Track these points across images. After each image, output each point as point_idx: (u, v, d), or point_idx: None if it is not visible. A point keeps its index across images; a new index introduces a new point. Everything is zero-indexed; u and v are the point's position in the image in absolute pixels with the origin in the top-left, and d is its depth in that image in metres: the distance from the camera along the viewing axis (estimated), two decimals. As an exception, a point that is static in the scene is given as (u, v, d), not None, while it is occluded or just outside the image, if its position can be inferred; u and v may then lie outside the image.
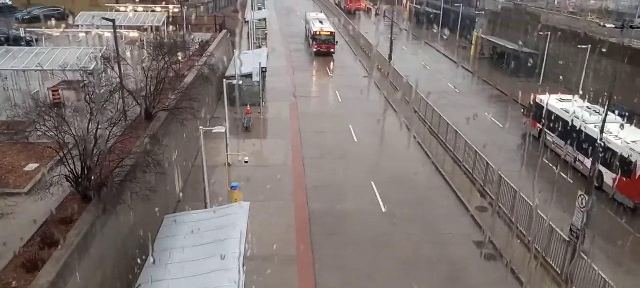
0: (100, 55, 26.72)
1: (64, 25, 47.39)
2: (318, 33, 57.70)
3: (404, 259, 20.34)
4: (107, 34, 38.36)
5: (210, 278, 14.46)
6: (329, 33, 58.10)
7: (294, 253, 20.33)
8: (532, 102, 33.17)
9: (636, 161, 22.99)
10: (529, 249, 20.64)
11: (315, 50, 57.56)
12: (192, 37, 39.27)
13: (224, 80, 31.31)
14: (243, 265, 16.03)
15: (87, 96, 17.38)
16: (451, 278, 19.41)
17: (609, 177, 24.68)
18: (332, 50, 57.47)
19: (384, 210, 24.09)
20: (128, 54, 29.28)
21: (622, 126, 24.39)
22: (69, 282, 12.93)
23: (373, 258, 20.38)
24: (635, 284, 17.20)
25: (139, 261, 16.27)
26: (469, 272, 19.77)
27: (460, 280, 19.32)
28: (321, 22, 61.57)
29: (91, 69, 25.39)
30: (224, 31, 51.28)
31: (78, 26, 44.56)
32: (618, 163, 23.94)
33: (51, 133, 15.41)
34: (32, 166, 18.51)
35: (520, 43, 48.40)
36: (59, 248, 13.25)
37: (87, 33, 41.96)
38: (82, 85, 20.00)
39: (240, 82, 34.54)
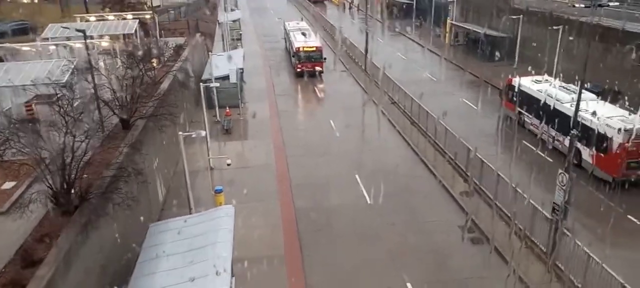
0: (73, 66, 26.22)
1: (32, 39, 46.38)
2: (301, 49, 47.14)
3: (392, 249, 20.46)
4: (78, 45, 37.67)
5: (199, 285, 14.35)
6: (314, 48, 47.27)
7: (282, 253, 20.28)
8: (507, 85, 33.60)
9: (612, 136, 23.45)
10: (513, 230, 20.93)
11: (298, 70, 47.03)
12: (166, 42, 38.77)
13: (201, 83, 31.09)
14: (232, 269, 15.97)
15: (62, 109, 17.07)
16: (439, 264, 19.59)
17: (586, 153, 25.16)
18: (320, 69, 47.33)
19: (369, 202, 24.18)
20: (101, 63, 28.77)
21: (594, 112, 24.75)
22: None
23: (361, 251, 20.44)
24: (617, 256, 17.56)
25: (125, 272, 16.06)
26: (455, 257, 19.97)
27: (447, 265, 19.52)
28: (304, 35, 50.63)
29: (64, 81, 24.89)
30: (198, 34, 50.80)
31: (47, 39, 43.65)
32: (595, 140, 24.40)
33: (27, 149, 15.08)
34: (9, 184, 18.12)
35: (486, 27, 48.98)
36: (42, 266, 12.97)
37: (57, 45, 41.12)
38: (56, 99, 19.61)
39: (218, 84, 34.24)
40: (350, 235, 21.60)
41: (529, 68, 33.42)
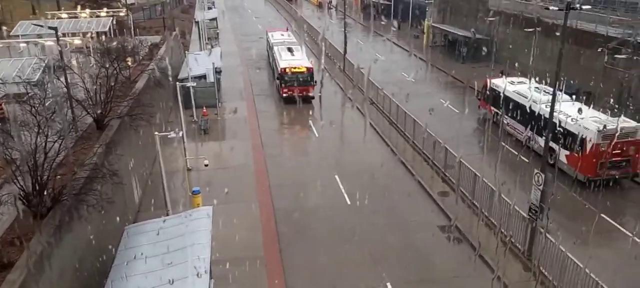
0: (44, 65, 25.54)
1: (1, 37, 45.08)
2: (287, 70, 38.81)
3: (372, 250, 20.43)
4: (50, 43, 36.73)
5: (177, 287, 14.05)
6: (304, 70, 38.87)
7: (262, 254, 20.06)
8: (484, 86, 34.00)
9: (586, 137, 23.90)
10: (491, 229, 21.15)
11: (284, 95, 38.82)
12: (141, 40, 38.10)
13: (177, 83, 30.60)
14: (210, 270, 15.70)
15: (33, 108, 16.56)
16: (419, 263, 19.65)
17: (562, 154, 25.58)
18: (310, 94, 39.07)
19: (348, 203, 24.13)
20: (74, 62, 28.08)
21: (580, 110, 25.13)
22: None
23: (341, 251, 20.36)
24: (592, 254, 17.87)
25: (101, 275, 15.66)
26: (435, 257, 20.07)
27: (427, 265, 19.59)
28: (291, 51, 42.98)
29: (35, 80, 24.21)
30: (174, 33, 50.11)
31: (18, 36, 42.48)
32: (569, 140, 24.84)
33: (-3, 150, 14.56)
34: (-23, 186, 17.42)
35: (472, 30, 49.53)
36: (13, 270, 12.51)
37: (28, 43, 40.03)
38: (27, 98, 19.02)
39: (194, 84, 33.78)
40: (330, 236, 21.50)
41: (506, 69, 33.94)
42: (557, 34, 34.49)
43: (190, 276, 14.38)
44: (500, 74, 37.03)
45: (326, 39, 59.38)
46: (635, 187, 24.90)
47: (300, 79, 38.85)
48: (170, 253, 15.66)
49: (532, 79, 31.29)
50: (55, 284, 14.09)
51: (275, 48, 44.69)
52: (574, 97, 28.41)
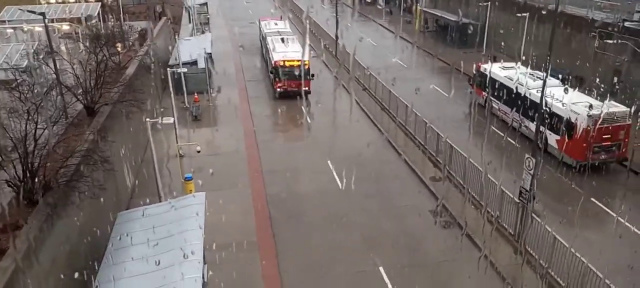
0: (32, 51, 25.24)
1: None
2: (281, 63, 35.78)
3: (365, 235, 20.58)
4: (38, 28, 36.23)
5: (170, 273, 14.11)
6: (299, 63, 35.60)
7: (255, 240, 20.15)
8: (475, 71, 34.09)
9: (577, 122, 24.09)
10: (482, 214, 21.36)
11: (278, 89, 35.99)
12: (130, 25, 37.69)
13: (168, 68, 30.38)
14: (203, 256, 15.75)
15: (22, 95, 16.39)
16: (410, 248, 19.81)
17: (552, 138, 25.79)
18: (307, 89, 35.99)
19: (341, 188, 24.22)
20: (63, 48, 27.76)
21: (566, 90, 25.39)
22: (19, 291, 12.26)
23: (334, 236, 20.47)
24: (581, 236, 18.14)
25: (93, 262, 15.66)
26: (427, 241, 20.25)
27: (419, 249, 19.77)
28: (284, 42, 39.70)
29: (23, 66, 23.96)
30: (164, 18, 49.60)
31: (4, 21, 41.85)
32: (560, 125, 25.03)
33: (-15, 137, 14.43)
34: (-34, 174, 17.27)
35: (460, 13, 49.50)
36: (5, 257, 12.48)
37: (15, 28, 39.45)
38: (16, 84, 18.81)
39: (185, 70, 33.54)
40: (322, 221, 21.60)
41: (497, 54, 34.00)
42: (548, 18, 34.66)
43: (184, 261, 14.42)
44: (489, 59, 37.12)
45: (316, 23, 59.06)
46: (624, 171, 25.20)
47: (296, 73, 35.32)
48: (164, 239, 15.68)
49: (523, 64, 31.44)
50: (48, 271, 14.07)
51: (268, 38, 41.31)
52: (564, 82, 28.58)
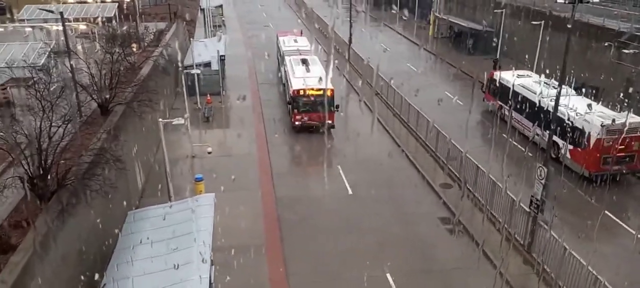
0: (50, 49, 25.62)
1: (7, 20, 45.18)
2: (301, 93, 30.51)
3: (374, 240, 20.51)
4: (56, 28, 36.78)
5: (178, 273, 14.18)
6: (322, 92, 30.45)
7: (263, 242, 20.19)
8: (489, 79, 33.87)
9: (590, 132, 23.80)
10: (493, 222, 21.19)
11: (297, 122, 30.76)
12: (146, 26, 38.10)
13: (182, 70, 30.63)
14: (211, 257, 15.83)
15: (38, 93, 16.64)
16: (419, 255, 19.72)
17: (565, 148, 25.50)
18: (330, 122, 30.78)
19: (350, 193, 24.20)
20: (79, 47, 28.11)
21: (589, 106, 24.88)
22: (30, 285, 12.43)
23: (343, 241, 20.44)
24: (592, 248, 17.89)
25: (102, 260, 15.82)
26: (436, 249, 20.13)
27: (428, 256, 19.66)
28: (306, 64, 34.06)
29: (40, 64, 24.31)
30: (179, 19, 50.04)
31: (23, 20, 42.55)
32: (573, 135, 24.75)
33: (1, 133, 14.67)
34: (-18, 169, 17.57)
35: (484, 22, 49.22)
36: (17, 252, 12.67)
37: (33, 27, 40.09)
38: (32, 82, 19.11)
39: (199, 71, 33.80)
40: (331, 226, 21.60)
41: (511, 62, 33.75)
42: (564, 27, 34.31)
43: (191, 262, 14.50)
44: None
45: (329, 26, 58.94)
46: (638, 183, 24.83)
47: (318, 104, 30.18)
48: (172, 239, 15.79)
49: (537, 73, 31.17)
50: (59, 267, 14.26)
51: (286, 59, 36.03)
52: (579, 92, 28.25)
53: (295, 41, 42.04)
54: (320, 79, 31.36)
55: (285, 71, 36.02)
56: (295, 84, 31.15)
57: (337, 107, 31.00)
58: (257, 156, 28.06)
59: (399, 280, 18.11)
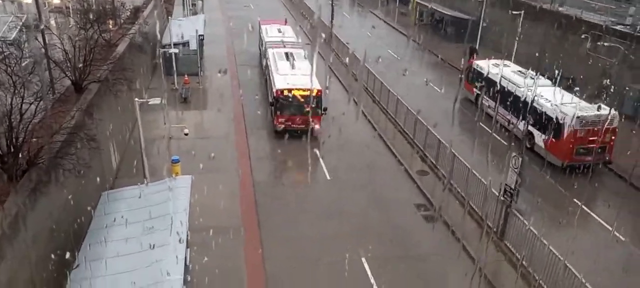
0: (21, 23, 24.82)
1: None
2: (284, 93, 27.10)
3: (351, 225, 20.62)
4: (27, 0, 35.59)
5: (152, 254, 14.04)
6: (309, 92, 27.07)
7: (240, 225, 20.13)
8: (467, 67, 34.15)
9: (564, 122, 24.25)
10: (466, 209, 21.52)
11: (280, 125, 27.58)
12: (123, 3, 37.15)
13: (159, 49, 30.05)
14: (187, 239, 15.72)
15: (9, 68, 16.12)
16: (397, 241, 19.92)
17: (539, 138, 25.96)
18: (316, 126, 27.68)
19: (328, 178, 24.24)
20: (52, 22, 27.33)
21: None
22: (-1, 265, 12.18)
23: (320, 226, 20.51)
24: (561, 236, 18.37)
25: (76, 240, 15.56)
26: (412, 235, 20.37)
27: (404, 242, 19.88)
28: (290, 59, 31.10)
29: (11, 38, 23.55)
30: (158, -3, 48.90)
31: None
32: (547, 125, 25.20)
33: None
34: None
35: (450, 8, 49.47)
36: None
37: (3, 0, 38.70)
38: (3, 57, 18.49)
39: (177, 51, 33.20)
40: (309, 210, 21.65)
41: (490, 51, 34.08)
42: (544, 18, 34.80)
43: (167, 243, 14.37)
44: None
45: (311, 9, 58.53)
46: (609, 174, 25.47)
47: (304, 106, 26.98)
48: (147, 220, 15.60)
49: (515, 63, 31.53)
50: (29, 246, 13.98)
51: (269, 52, 33.11)
52: (554, 82, 28.69)
53: (279, 31, 38.77)
54: (307, 77, 28.23)
55: (267, 65, 32.89)
56: (279, 82, 27.84)
57: (325, 109, 27.68)
58: (234, 139, 27.84)
59: (374, 265, 18.29)
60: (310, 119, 27.10)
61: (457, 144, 24.62)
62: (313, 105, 26.84)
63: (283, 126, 27.41)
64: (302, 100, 26.91)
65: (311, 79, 28.04)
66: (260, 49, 41.15)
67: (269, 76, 31.27)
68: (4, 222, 12.74)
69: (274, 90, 27.71)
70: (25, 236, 13.81)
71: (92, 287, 13.08)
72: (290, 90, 26.91)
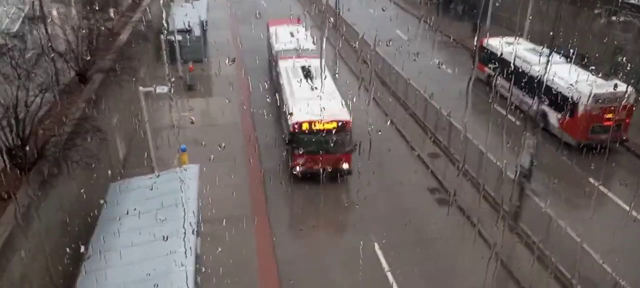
0: (23, 15, 24.54)
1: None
2: (306, 128, 21.34)
3: (362, 211, 20.35)
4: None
5: (163, 244, 13.89)
6: (335, 125, 21.09)
7: (249, 213, 19.95)
8: (479, 46, 33.48)
9: (578, 100, 23.71)
10: (479, 191, 21.18)
11: (299, 166, 21.54)
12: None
13: (162, 36, 29.71)
14: (197, 229, 15.55)
15: (13, 61, 15.89)
16: (407, 225, 19.64)
17: (553, 117, 25.43)
18: (344, 167, 21.84)
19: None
20: (54, 13, 26.95)
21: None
22: (13, 258, 12.16)
23: (330, 213, 20.27)
24: (579, 218, 18.04)
25: (87, 231, 15.46)
26: (424, 219, 20.10)
27: (416, 226, 19.62)
28: (310, 79, 24.68)
29: (15, 30, 23.33)
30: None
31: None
32: (561, 104, 24.65)
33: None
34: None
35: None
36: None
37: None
38: (7, 50, 18.25)
39: (180, 38, 32.81)
40: (319, 196, 21.36)
41: (502, 29, 33.36)
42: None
43: (176, 233, 14.20)
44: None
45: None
46: (625, 152, 24.96)
47: (329, 141, 21.08)
48: (156, 210, 15.44)
49: (527, 40, 30.85)
50: (42, 238, 13.95)
51: (281, 66, 26.74)
52: (568, 59, 28.02)
53: (292, 35, 30.25)
54: (333, 101, 22.10)
55: (278, 81, 26.47)
56: (296, 112, 21.50)
57: (355, 146, 21.56)
58: (241, 126, 27.54)
59: (387, 251, 18.06)
60: (338, 157, 21.41)
61: (468, 124, 24.13)
62: (341, 141, 21.21)
63: (302, 168, 21.40)
64: (327, 134, 21.00)
65: (336, 106, 21.69)
66: (269, 58, 34.56)
67: (282, 99, 24.58)
68: (18, 214, 12.65)
69: (290, 123, 21.38)
70: (37, 229, 13.75)
71: (106, 277, 13.01)
72: (311, 123, 21.02)
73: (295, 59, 26.33)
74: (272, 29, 33.27)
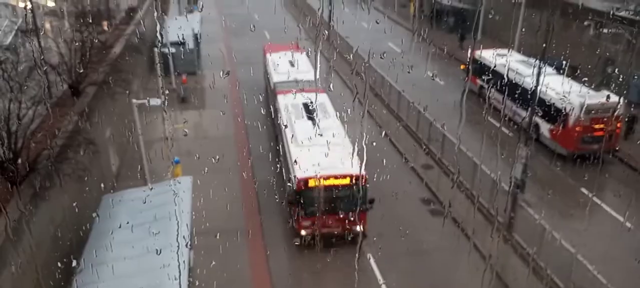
0: (16, 27, 24.52)
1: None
2: (314, 185, 17.40)
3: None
4: (21, 4, 35.22)
5: (156, 258, 13.73)
6: (348, 180, 17.54)
7: (243, 226, 19.83)
8: (470, 58, 33.74)
9: (569, 111, 23.91)
10: (473, 202, 21.22)
11: (305, 230, 18.33)
12: (117, 3, 36.81)
13: (156, 49, 29.72)
14: (190, 242, 15.45)
15: (6, 73, 15.84)
16: (404, 237, 19.57)
17: (545, 128, 25.61)
18: (358, 228, 17.93)
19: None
20: (47, 25, 26.95)
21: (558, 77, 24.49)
22: (3, 272, 12.07)
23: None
24: (569, 227, 18.10)
25: (78, 244, 15.31)
26: (417, 229, 20.07)
27: (409, 237, 19.57)
28: (314, 122, 20.81)
29: (7, 43, 23.27)
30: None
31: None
32: (553, 114, 24.84)
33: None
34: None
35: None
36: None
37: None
38: None
39: (173, 50, 32.83)
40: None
41: (493, 42, 33.65)
42: (545, 5, 34.39)
43: (169, 246, 14.08)
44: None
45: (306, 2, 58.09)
46: (616, 162, 25.14)
47: (341, 200, 17.94)
48: (149, 223, 15.32)
49: (517, 52, 31.13)
50: (33, 253, 13.76)
51: (280, 101, 23.60)
52: (559, 71, 28.30)
53: (292, 65, 27.55)
54: (344, 149, 18.35)
55: (279, 124, 22.71)
56: (301, 165, 17.81)
57: (372, 201, 18.16)
58: (234, 138, 27.50)
59: (381, 262, 18.00)
60: (352, 220, 17.86)
61: (460, 136, 24.24)
62: (355, 198, 17.52)
63: (309, 231, 18.34)
64: (338, 191, 17.80)
65: (347, 158, 17.25)
66: (266, 88, 31.06)
67: (283, 145, 20.95)
68: (8, 228, 12.52)
69: (295, 179, 17.76)
70: (27, 243, 13.58)
71: (97, 290, 12.86)
72: (320, 179, 17.30)
73: (296, 93, 22.62)
74: (268, 56, 30.01)
